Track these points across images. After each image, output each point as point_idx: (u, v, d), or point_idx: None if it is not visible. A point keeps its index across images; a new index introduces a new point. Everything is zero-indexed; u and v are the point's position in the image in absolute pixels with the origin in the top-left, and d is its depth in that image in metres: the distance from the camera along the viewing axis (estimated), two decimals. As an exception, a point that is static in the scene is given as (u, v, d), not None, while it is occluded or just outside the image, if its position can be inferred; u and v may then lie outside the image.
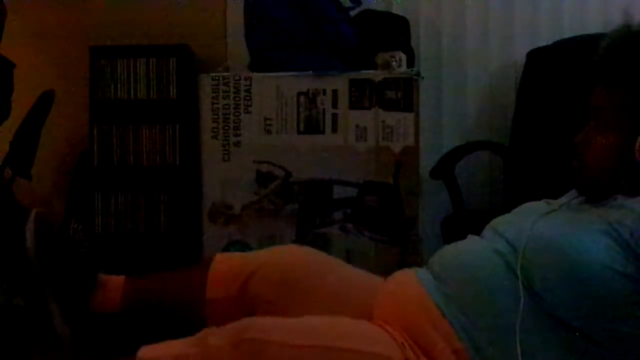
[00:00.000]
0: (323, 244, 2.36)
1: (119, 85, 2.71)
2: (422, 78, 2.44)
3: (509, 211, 1.62)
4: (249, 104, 2.38)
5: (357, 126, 2.36)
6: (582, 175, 1.51)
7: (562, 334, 1.32)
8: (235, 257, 1.64)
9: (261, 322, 1.37)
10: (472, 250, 1.47)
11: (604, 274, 1.30)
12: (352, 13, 2.61)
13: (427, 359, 1.33)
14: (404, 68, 2.42)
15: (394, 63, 2.41)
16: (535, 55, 2.59)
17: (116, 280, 1.62)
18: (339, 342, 1.32)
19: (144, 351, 1.35)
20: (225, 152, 2.38)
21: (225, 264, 1.60)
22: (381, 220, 2.36)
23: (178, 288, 1.58)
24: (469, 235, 1.57)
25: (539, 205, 1.57)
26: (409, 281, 1.47)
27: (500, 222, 1.54)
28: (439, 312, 1.37)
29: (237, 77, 2.39)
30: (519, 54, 2.74)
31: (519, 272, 1.34)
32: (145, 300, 1.59)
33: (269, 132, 2.38)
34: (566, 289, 1.31)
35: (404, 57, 2.44)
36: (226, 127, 2.39)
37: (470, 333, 1.34)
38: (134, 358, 1.33)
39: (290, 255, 1.62)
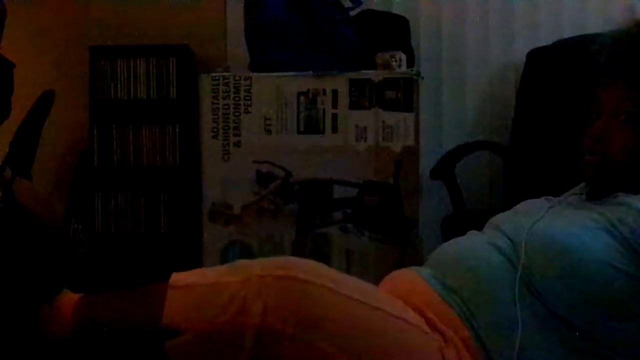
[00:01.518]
0: (323, 244, 2.36)
1: (119, 85, 2.71)
2: (422, 78, 2.44)
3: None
4: (249, 104, 2.38)
5: (357, 126, 2.36)
6: (600, 167, 1.49)
7: (561, 332, 1.31)
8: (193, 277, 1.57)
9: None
10: (473, 245, 1.46)
11: (604, 272, 1.30)
12: (352, 13, 2.60)
13: (444, 341, 1.32)
14: (404, 68, 2.42)
15: (394, 63, 2.40)
16: (535, 55, 2.59)
17: (64, 304, 1.41)
18: (385, 306, 1.29)
19: (177, 277, 1.29)
20: (225, 152, 2.38)
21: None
22: (381, 220, 2.36)
23: (132, 312, 1.46)
24: (470, 231, 1.57)
25: (540, 203, 1.56)
26: (410, 276, 1.47)
27: (501, 219, 1.54)
28: (443, 301, 1.36)
29: (237, 77, 2.39)
30: (519, 54, 2.74)
31: (519, 270, 1.34)
32: (96, 323, 1.39)
33: (269, 132, 2.38)
34: (566, 286, 1.31)
35: (404, 57, 2.44)
36: (226, 127, 2.39)
37: (472, 324, 1.33)
38: (166, 284, 1.28)
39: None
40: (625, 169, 1.46)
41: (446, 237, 2.32)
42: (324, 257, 2.35)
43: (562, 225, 1.40)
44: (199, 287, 1.27)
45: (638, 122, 1.45)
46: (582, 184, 1.58)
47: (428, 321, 1.34)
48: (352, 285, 1.31)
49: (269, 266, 1.25)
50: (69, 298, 1.35)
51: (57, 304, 1.35)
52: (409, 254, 2.33)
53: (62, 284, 1.47)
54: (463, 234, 1.58)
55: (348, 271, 2.33)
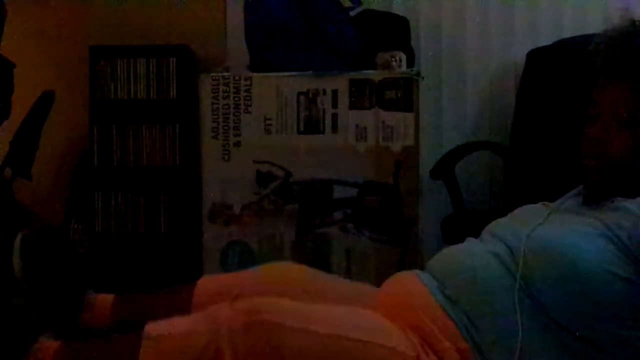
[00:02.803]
0: (323, 244, 2.36)
1: (119, 85, 2.71)
2: (422, 78, 2.44)
3: (509, 211, 1.62)
4: (249, 104, 2.38)
5: (357, 126, 2.36)
6: (599, 169, 1.48)
7: (561, 337, 1.31)
8: (220, 279, 1.64)
9: (276, 303, 1.34)
10: (471, 253, 1.46)
11: (603, 277, 1.30)
12: (352, 13, 2.61)
13: (435, 356, 1.33)
14: (404, 68, 2.42)
15: (394, 63, 2.40)
16: (535, 55, 2.59)
17: (104, 300, 1.62)
18: (355, 333, 1.30)
19: (151, 327, 1.33)
20: (225, 152, 2.38)
21: (211, 284, 1.59)
22: (381, 220, 2.36)
23: (164, 307, 1.56)
24: (468, 238, 1.57)
25: (537, 208, 1.56)
26: (411, 281, 1.47)
27: (499, 226, 1.54)
28: (443, 311, 1.37)
29: (237, 77, 2.39)
30: (519, 54, 2.74)
31: (517, 276, 1.34)
32: (132, 318, 1.57)
33: (269, 132, 2.38)
34: (565, 291, 1.31)
35: (404, 57, 2.44)
36: (226, 127, 2.38)
37: (471, 334, 1.34)
38: (141, 333, 1.32)
39: (281, 273, 1.60)
40: (624, 171, 1.46)
41: (446, 237, 2.33)
42: (324, 257, 2.35)
43: (560, 231, 1.40)
44: (173, 338, 1.31)
45: (636, 124, 1.45)
46: (580, 187, 1.58)
47: (422, 331, 1.34)
48: (322, 316, 1.34)
49: (238, 312, 1.29)
50: (48, 346, 1.39)
51: (36, 354, 1.38)
52: (409, 254, 2.33)
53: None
54: (463, 233, 1.58)
55: (348, 271, 2.34)
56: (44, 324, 1.48)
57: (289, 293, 1.47)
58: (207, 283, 1.61)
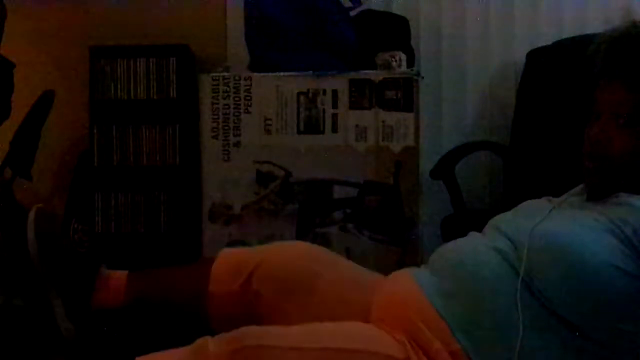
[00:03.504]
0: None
1: (119, 85, 2.71)
2: (422, 78, 2.44)
3: (509, 211, 1.62)
4: (249, 104, 2.38)
5: (357, 126, 2.36)
6: (600, 170, 1.48)
7: (562, 333, 1.31)
8: (239, 252, 1.64)
9: (261, 329, 1.36)
10: (473, 247, 1.46)
11: (607, 272, 1.30)
12: (352, 13, 2.61)
13: (426, 357, 1.33)
14: (404, 68, 2.42)
15: (394, 63, 2.41)
16: (535, 55, 2.59)
17: (119, 276, 1.61)
18: (343, 344, 1.31)
19: None
20: (225, 152, 2.38)
21: (229, 259, 1.59)
22: (381, 220, 2.36)
23: (181, 283, 1.58)
24: (470, 232, 1.57)
25: (541, 203, 1.56)
26: (406, 282, 1.47)
27: (502, 220, 1.54)
28: (435, 312, 1.36)
29: (237, 77, 2.39)
30: (519, 54, 2.74)
31: (520, 271, 1.34)
32: (148, 294, 1.58)
33: (269, 132, 2.38)
34: (568, 287, 1.31)
35: (404, 57, 2.44)
36: (226, 127, 2.38)
37: (469, 332, 1.33)
38: None
39: (293, 252, 1.62)
40: (625, 171, 1.46)
41: (446, 237, 2.32)
42: (324, 257, 2.35)
43: (564, 226, 1.39)
44: None
45: (636, 124, 1.44)
46: (582, 185, 1.58)
47: (414, 333, 1.35)
48: (307, 333, 1.35)
49: (222, 342, 1.30)
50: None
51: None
52: (409, 254, 2.33)
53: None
54: (463, 234, 1.58)
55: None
56: (47, 323, 1.48)
57: (294, 275, 1.52)
58: (224, 260, 1.60)
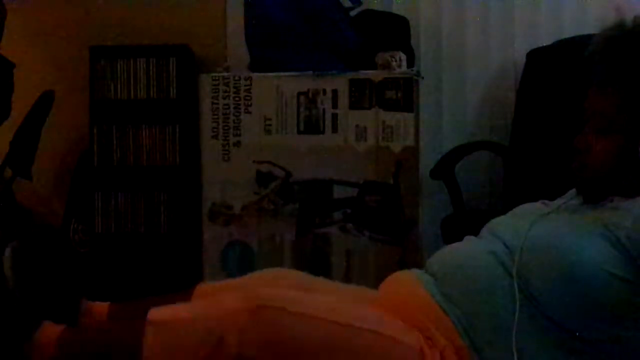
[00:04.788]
0: (323, 244, 2.36)
1: (119, 85, 2.71)
2: (422, 78, 2.44)
3: (508, 211, 1.62)
4: (249, 104, 2.38)
5: (357, 126, 2.36)
6: (584, 178, 1.50)
7: (558, 336, 1.32)
8: (218, 284, 1.63)
9: (280, 292, 1.35)
10: (469, 251, 1.47)
11: (600, 276, 1.30)
12: (352, 13, 2.60)
13: (438, 351, 1.34)
14: (404, 68, 2.42)
15: (394, 63, 2.40)
16: (535, 55, 2.59)
17: (100, 307, 1.61)
18: (360, 323, 1.31)
19: (154, 313, 1.33)
20: (225, 152, 2.38)
21: (210, 287, 1.59)
22: (381, 220, 2.36)
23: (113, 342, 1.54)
24: (466, 237, 1.57)
25: (536, 207, 1.56)
26: (410, 281, 1.48)
27: (498, 224, 1.54)
28: (440, 310, 1.37)
29: (237, 77, 2.39)
30: (519, 54, 2.74)
31: (514, 274, 1.35)
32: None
33: (269, 132, 2.38)
34: (562, 291, 1.31)
35: (404, 57, 2.44)
36: (226, 127, 2.38)
37: (469, 333, 1.34)
38: (145, 319, 1.32)
39: (274, 281, 1.60)
40: (611, 177, 1.46)
41: (446, 237, 2.33)
42: (324, 257, 2.35)
43: (559, 230, 1.40)
44: (177, 323, 1.31)
45: (613, 130, 1.45)
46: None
47: (422, 329, 1.35)
48: (326, 305, 1.34)
49: (241, 299, 1.29)
50: (51, 331, 1.38)
51: (39, 338, 1.38)
52: (409, 254, 2.33)
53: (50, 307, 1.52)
54: (463, 234, 1.58)
55: (348, 271, 2.34)
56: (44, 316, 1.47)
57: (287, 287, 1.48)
58: (205, 287, 1.60)
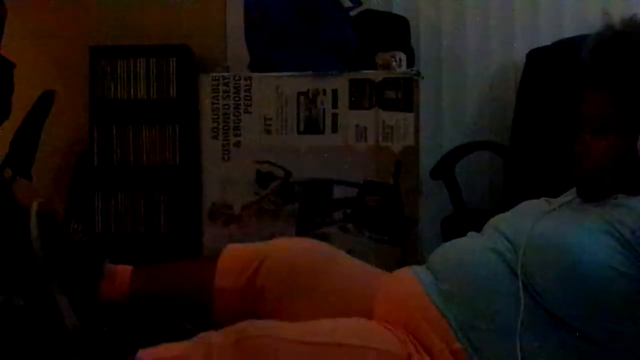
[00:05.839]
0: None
1: (119, 85, 2.71)
2: (422, 78, 2.44)
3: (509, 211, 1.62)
4: (249, 104, 2.38)
5: (357, 126, 2.36)
6: (584, 180, 1.50)
7: (561, 334, 1.31)
8: (245, 248, 1.63)
9: (264, 322, 1.36)
10: (471, 248, 1.47)
11: (605, 274, 1.30)
12: (352, 13, 2.60)
13: (427, 355, 1.34)
14: (404, 68, 2.42)
15: (394, 63, 2.41)
16: (535, 55, 2.59)
17: (123, 270, 1.61)
18: (345, 340, 1.32)
19: (144, 354, 1.34)
20: (225, 152, 2.38)
21: (234, 255, 1.59)
22: (381, 220, 2.36)
23: (186, 277, 1.58)
24: (469, 233, 1.57)
25: (539, 204, 1.56)
26: (408, 280, 1.47)
27: (501, 221, 1.54)
28: (437, 311, 1.37)
29: (237, 77, 2.39)
30: (519, 54, 2.74)
31: (519, 272, 1.34)
32: (152, 288, 1.58)
33: (269, 132, 2.38)
34: (566, 288, 1.31)
35: (404, 57, 2.44)
36: (226, 127, 2.39)
37: (468, 333, 1.34)
38: (134, 359, 1.33)
39: (296, 249, 1.61)
40: (612, 176, 1.46)
41: (446, 237, 2.32)
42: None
43: (562, 227, 1.40)
44: None
45: (609, 130, 1.46)
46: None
47: (417, 332, 1.35)
48: (312, 327, 1.35)
49: (225, 333, 1.31)
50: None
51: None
52: (409, 253, 2.33)
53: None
54: (463, 234, 1.58)
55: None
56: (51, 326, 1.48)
57: (299, 272, 1.51)
58: (230, 255, 1.60)
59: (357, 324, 1.39)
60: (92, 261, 1.58)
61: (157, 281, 1.59)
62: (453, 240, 1.55)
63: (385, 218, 2.36)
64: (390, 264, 2.27)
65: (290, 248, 1.61)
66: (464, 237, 1.56)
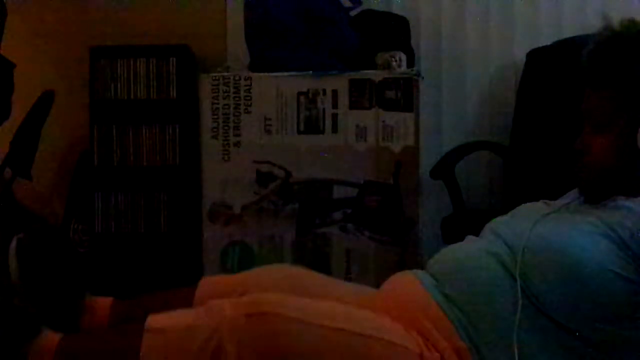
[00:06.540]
0: (323, 244, 2.36)
1: (119, 85, 2.71)
2: (422, 78, 2.44)
3: (509, 211, 1.62)
4: (249, 104, 2.38)
5: (357, 126, 2.36)
6: (585, 178, 1.50)
7: (560, 336, 1.32)
8: (221, 280, 1.64)
9: (278, 297, 1.35)
10: (471, 252, 1.47)
11: (603, 276, 1.31)
12: (352, 13, 2.60)
13: (438, 353, 1.34)
14: (404, 68, 2.42)
15: (394, 63, 2.41)
16: (535, 55, 2.59)
17: (103, 302, 1.62)
18: (358, 328, 1.31)
19: (153, 320, 1.33)
20: (225, 152, 2.38)
21: (213, 284, 1.60)
22: (381, 220, 2.36)
23: (164, 309, 1.56)
24: (468, 236, 1.57)
25: (538, 207, 1.57)
26: (410, 281, 1.48)
27: (499, 224, 1.54)
28: (440, 311, 1.37)
29: (237, 77, 2.39)
30: (519, 54, 2.74)
31: (517, 275, 1.35)
32: (131, 318, 1.57)
33: (269, 132, 2.38)
34: (565, 290, 1.32)
35: (404, 57, 2.44)
36: (226, 127, 2.39)
37: (469, 334, 1.34)
38: (142, 326, 1.32)
39: (275, 277, 1.60)
40: (611, 175, 1.47)
41: (446, 237, 2.33)
42: (324, 257, 2.35)
43: (561, 229, 1.40)
44: (175, 330, 1.31)
45: (609, 128, 1.46)
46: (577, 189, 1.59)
47: (421, 331, 1.35)
48: (324, 310, 1.34)
49: (239, 305, 1.29)
50: (49, 340, 1.38)
51: (39, 346, 1.37)
52: (409, 254, 2.33)
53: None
54: (463, 234, 1.58)
55: (348, 271, 2.34)
56: (43, 321, 1.47)
57: (292, 291, 1.47)
58: (208, 283, 1.61)
59: (372, 315, 1.38)
60: (74, 295, 1.59)
61: (135, 313, 1.58)
62: (452, 245, 1.56)
63: (385, 218, 2.36)
64: (390, 264, 2.28)
65: (268, 278, 1.59)
66: (462, 242, 1.56)
